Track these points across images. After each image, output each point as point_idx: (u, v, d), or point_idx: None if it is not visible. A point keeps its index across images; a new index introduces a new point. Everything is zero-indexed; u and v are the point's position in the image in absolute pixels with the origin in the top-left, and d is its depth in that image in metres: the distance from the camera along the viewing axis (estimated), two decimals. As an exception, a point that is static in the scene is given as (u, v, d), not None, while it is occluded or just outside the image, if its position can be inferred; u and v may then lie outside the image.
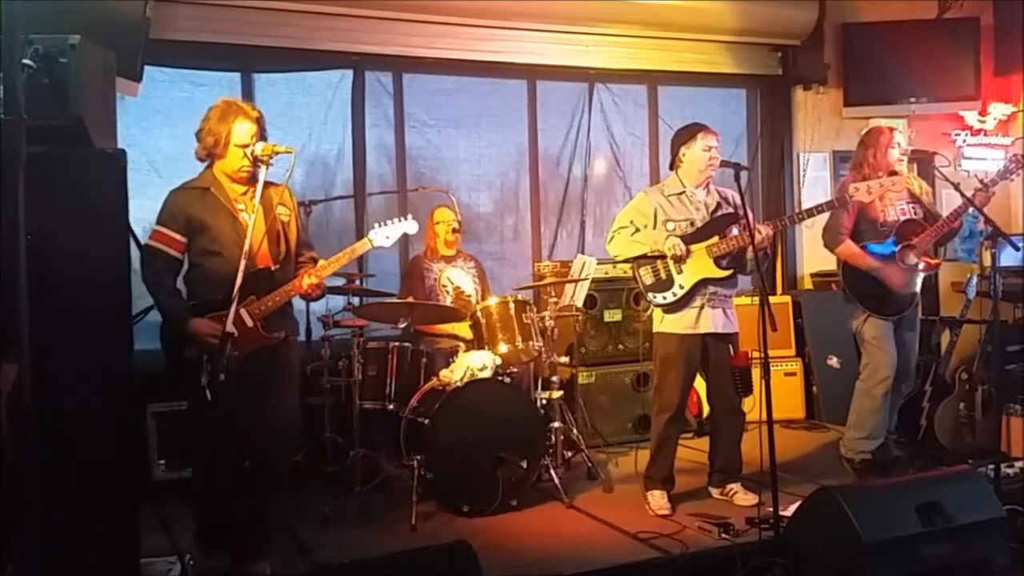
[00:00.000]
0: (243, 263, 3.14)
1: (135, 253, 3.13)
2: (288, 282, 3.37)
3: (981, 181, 4.35)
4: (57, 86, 2.48)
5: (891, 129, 4.59)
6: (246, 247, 3.17)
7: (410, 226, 3.65)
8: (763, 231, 4.02)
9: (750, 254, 3.97)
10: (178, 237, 3.33)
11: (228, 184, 3.40)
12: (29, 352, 2.11)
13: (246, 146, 3.31)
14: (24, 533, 2.13)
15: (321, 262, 3.49)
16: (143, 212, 3.93)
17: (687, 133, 4.24)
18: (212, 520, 3.50)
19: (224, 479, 3.38)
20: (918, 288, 4.54)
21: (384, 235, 3.58)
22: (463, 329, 4.87)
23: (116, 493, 2.70)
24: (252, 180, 3.36)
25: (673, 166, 4.30)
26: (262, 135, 3.39)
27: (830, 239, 4.58)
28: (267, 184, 3.37)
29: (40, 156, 2.35)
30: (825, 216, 4.48)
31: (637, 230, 4.19)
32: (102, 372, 2.68)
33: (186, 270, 3.42)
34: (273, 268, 3.36)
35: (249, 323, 3.27)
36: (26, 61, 2.36)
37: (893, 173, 4.42)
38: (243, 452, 3.35)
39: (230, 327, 3.09)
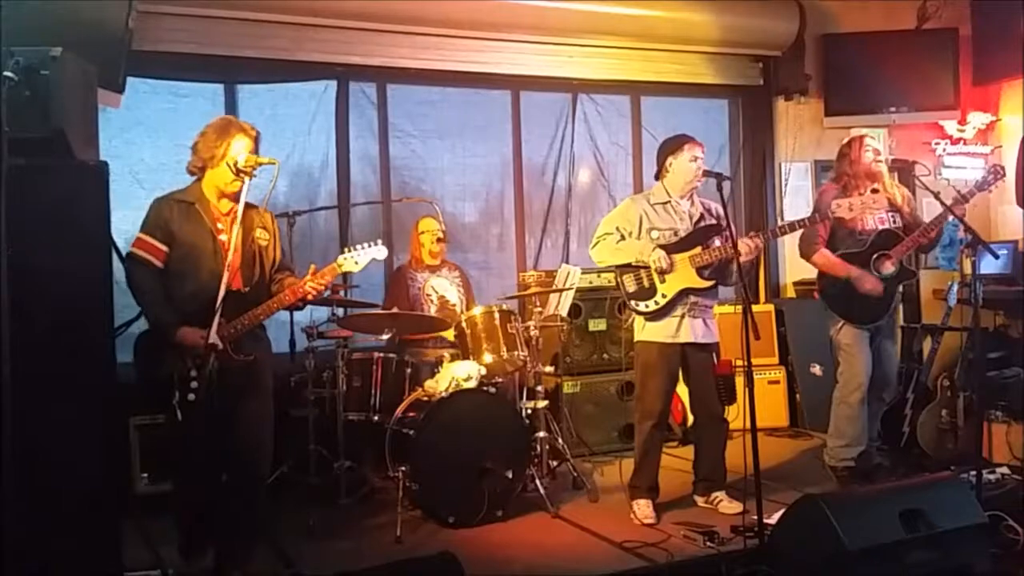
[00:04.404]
0: (225, 276, 3.16)
1: (117, 265, 3.13)
2: (260, 304, 3.34)
3: (959, 192, 4.40)
4: (38, 98, 2.48)
5: (863, 136, 4.64)
6: (229, 258, 3.20)
7: (380, 252, 3.56)
8: (751, 244, 4.04)
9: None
10: (160, 246, 3.32)
11: (214, 201, 3.41)
12: (10, 365, 2.10)
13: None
14: (6, 547, 2.11)
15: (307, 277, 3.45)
16: (125, 224, 3.92)
17: (674, 144, 4.26)
18: (194, 532, 3.49)
19: (202, 492, 3.40)
20: (895, 298, 4.57)
21: (353, 260, 3.52)
22: (449, 332, 4.86)
23: (99, 506, 2.69)
24: (239, 197, 3.35)
25: (659, 176, 4.33)
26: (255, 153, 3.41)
27: (805, 248, 4.62)
28: (250, 207, 3.40)
29: (21, 168, 2.34)
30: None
31: (622, 237, 4.21)
32: (84, 385, 2.67)
33: None
34: (244, 290, 3.35)
35: (219, 345, 3.20)
36: (7, 73, 2.35)
37: (874, 179, 4.47)
38: (220, 465, 3.36)
39: (214, 338, 3.11)
